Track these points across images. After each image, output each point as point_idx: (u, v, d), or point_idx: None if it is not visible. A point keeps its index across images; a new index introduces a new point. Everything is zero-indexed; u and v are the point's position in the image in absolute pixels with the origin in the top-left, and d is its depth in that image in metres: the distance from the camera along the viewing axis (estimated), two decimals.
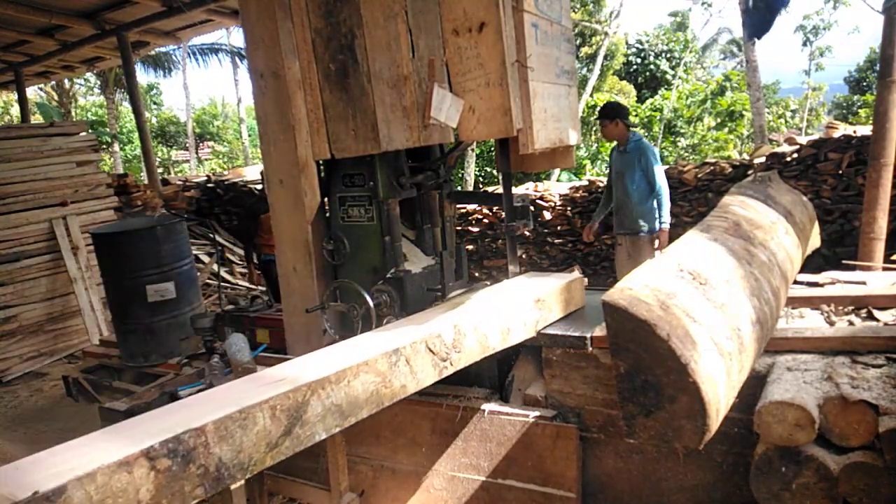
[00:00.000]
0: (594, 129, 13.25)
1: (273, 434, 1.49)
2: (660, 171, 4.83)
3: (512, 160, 3.07)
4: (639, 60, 19.59)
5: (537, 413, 2.63)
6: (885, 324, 2.47)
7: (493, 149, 11.05)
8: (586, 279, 3.29)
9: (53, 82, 16.47)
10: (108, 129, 18.95)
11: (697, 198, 6.32)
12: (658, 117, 14.39)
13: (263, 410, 1.47)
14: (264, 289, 7.02)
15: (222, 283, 6.96)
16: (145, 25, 7.32)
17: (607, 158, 5.64)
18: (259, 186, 9.27)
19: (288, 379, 1.62)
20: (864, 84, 22.32)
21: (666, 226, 4.82)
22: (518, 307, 2.50)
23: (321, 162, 3.20)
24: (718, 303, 1.93)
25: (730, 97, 13.97)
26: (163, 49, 16.81)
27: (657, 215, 4.87)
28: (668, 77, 18.52)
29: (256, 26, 2.97)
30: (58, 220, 6.38)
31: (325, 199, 3.25)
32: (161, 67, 19.18)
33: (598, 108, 4.56)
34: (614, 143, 5.11)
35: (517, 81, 2.70)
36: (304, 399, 1.57)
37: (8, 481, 1.15)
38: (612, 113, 4.97)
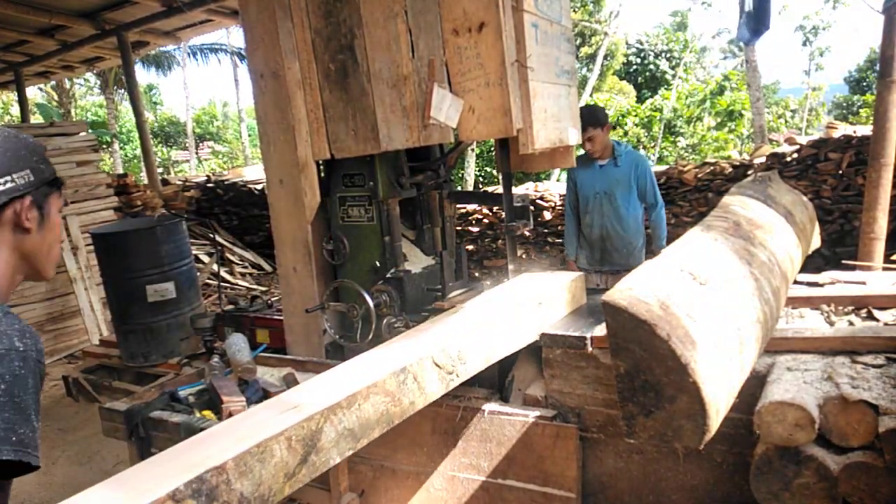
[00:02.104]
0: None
1: (290, 464, 1.51)
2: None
3: (512, 160, 3.07)
4: (639, 60, 19.60)
5: (537, 413, 2.63)
6: (885, 324, 2.47)
7: (493, 149, 11.05)
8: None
9: (53, 82, 16.47)
10: (108, 129, 18.95)
11: (697, 198, 6.32)
12: (658, 117, 14.39)
13: (280, 442, 1.49)
14: (264, 289, 7.02)
15: (222, 283, 6.96)
16: (145, 25, 7.32)
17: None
18: (260, 186, 9.26)
19: (301, 406, 1.64)
20: (864, 84, 22.32)
21: (663, 248, 3.87)
22: (521, 311, 2.51)
23: (321, 162, 3.20)
24: (718, 303, 1.93)
25: (729, 97, 13.97)
26: (163, 49, 16.82)
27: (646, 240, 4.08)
28: (668, 77, 18.53)
29: (256, 26, 2.97)
30: None
31: (325, 199, 3.25)
32: (161, 67, 19.20)
33: (582, 115, 3.41)
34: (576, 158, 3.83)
35: (517, 81, 2.70)
36: (317, 427, 1.59)
37: None
38: (604, 117, 4.03)
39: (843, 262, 4.48)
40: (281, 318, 3.38)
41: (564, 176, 11.95)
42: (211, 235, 8.72)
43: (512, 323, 2.43)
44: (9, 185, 1.19)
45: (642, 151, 14.05)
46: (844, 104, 22.55)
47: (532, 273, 3.19)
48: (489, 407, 2.71)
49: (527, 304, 2.55)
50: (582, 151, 4.14)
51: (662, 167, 6.98)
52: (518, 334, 2.45)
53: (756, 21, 4.55)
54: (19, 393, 1.02)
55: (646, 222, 4.26)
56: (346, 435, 1.68)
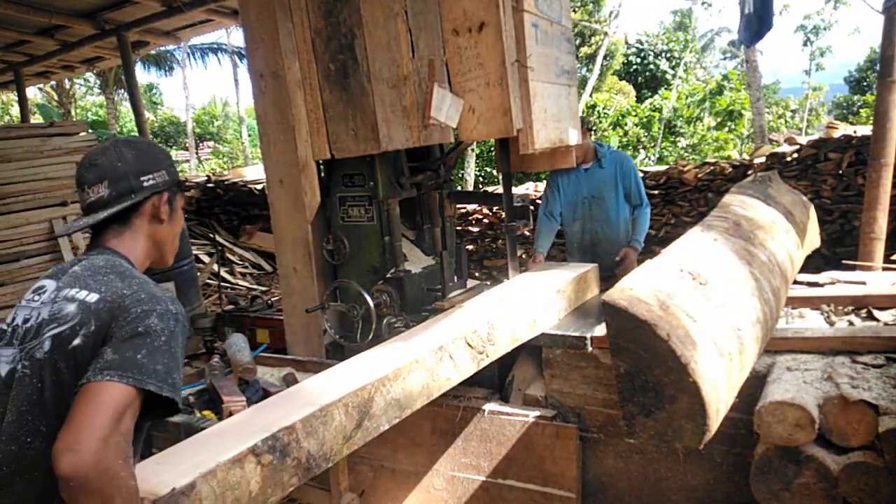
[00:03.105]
0: (592, 128, 13.21)
1: (348, 428, 1.72)
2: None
3: (512, 160, 3.07)
4: (639, 60, 19.59)
5: (537, 413, 2.63)
6: (885, 324, 2.47)
7: (493, 149, 11.04)
8: None
9: (53, 82, 16.46)
10: (108, 129, 18.94)
11: (697, 198, 6.31)
12: (658, 117, 14.38)
13: (339, 408, 1.70)
14: (265, 289, 7.01)
15: (222, 283, 6.96)
16: (145, 25, 7.31)
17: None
18: (260, 186, 9.27)
19: (354, 377, 1.85)
20: (864, 84, 22.31)
21: (640, 245, 3.86)
22: (542, 298, 2.65)
23: (321, 162, 3.20)
24: (718, 303, 1.93)
25: (728, 97, 13.97)
26: (163, 49, 16.82)
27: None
28: (668, 77, 18.52)
29: (256, 26, 2.97)
30: (58, 220, 6.38)
31: (325, 199, 3.25)
32: (161, 67, 19.20)
33: None
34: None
35: (517, 81, 2.70)
36: (369, 396, 1.79)
37: (144, 479, 1.28)
38: (582, 121, 3.79)
39: (843, 262, 4.48)
40: (281, 318, 3.38)
41: None
42: (211, 235, 8.72)
43: (534, 308, 2.59)
44: (150, 182, 1.45)
45: (642, 152, 14.05)
46: (844, 104, 22.54)
47: (549, 264, 3.40)
48: (489, 407, 2.71)
49: (547, 292, 2.70)
50: None
51: (662, 167, 6.97)
52: (540, 319, 2.61)
53: (758, 21, 4.53)
54: (174, 346, 1.26)
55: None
56: (393, 404, 1.87)
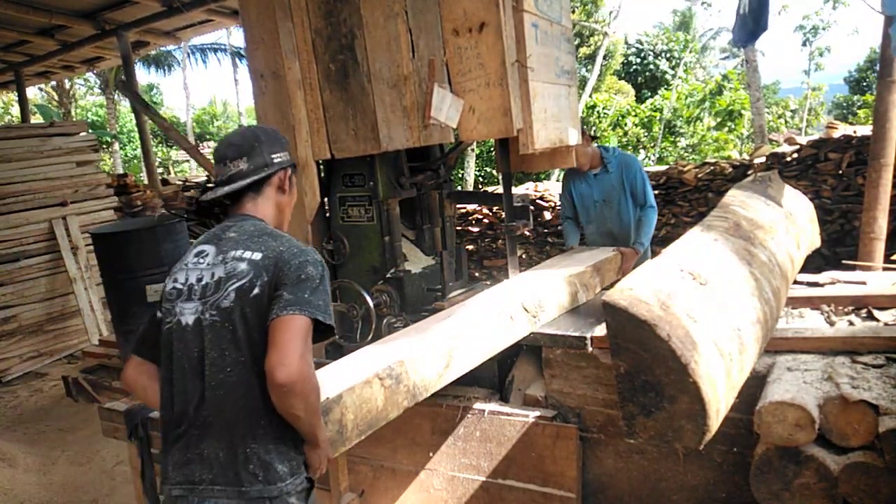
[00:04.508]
0: (592, 128, 13.22)
1: (440, 367, 2.18)
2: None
3: (512, 160, 3.07)
4: (638, 60, 19.58)
5: (537, 413, 2.63)
6: (885, 324, 2.47)
7: (493, 149, 11.04)
8: None
9: (53, 82, 16.47)
10: (108, 129, 18.95)
11: (697, 198, 6.30)
12: (658, 117, 14.38)
13: (432, 351, 2.16)
14: None
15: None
16: (145, 25, 7.31)
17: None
18: None
19: (442, 331, 2.32)
20: (864, 84, 22.31)
21: (643, 248, 3.84)
22: (581, 275, 3.07)
23: (321, 162, 3.20)
24: (719, 303, 1.94)
25: (728, 97, 13.96)
26: (163, 49, 16.82)
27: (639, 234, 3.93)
28: (668, 77, 18.52)
29: (256, 26, 2.97)
30: (58, 220, 6.37)
31: (325, 199, 3.25)
32: (161, 67, 19.21)
33: None
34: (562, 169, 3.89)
35: (517, 81, 2.70)
36: (454, 344, 2.26)
37: None
38: (585, 130, 3.86)
39: (843, 262, 4.48)
40: None
41: None
42: None
43: (576, 282, 3.01)
44: (279, 158, 1.81)
45: (642, 152, 14.04)
46: (844, 104, 22.54)
47: (583, 247, 3.89)
48: (489, 407, 2.71)
49: (587, 269, 3.14)
50: None
51: (662, 167, 6.96)
52: (580, 292, 3.02)
53: (754, 22, 4.53)
54: (326, 285, 1.62)
55: None
56: (469, 353, 2.32)
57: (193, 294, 1.64)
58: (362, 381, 1.88)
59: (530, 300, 2.65)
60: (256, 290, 1.58)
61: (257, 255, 1.62)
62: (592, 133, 4.02)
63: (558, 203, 7.20)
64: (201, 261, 1.68)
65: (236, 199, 1.79)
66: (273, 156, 1.79)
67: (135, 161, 21.88)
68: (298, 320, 1.51)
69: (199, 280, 1.65)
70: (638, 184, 3.92)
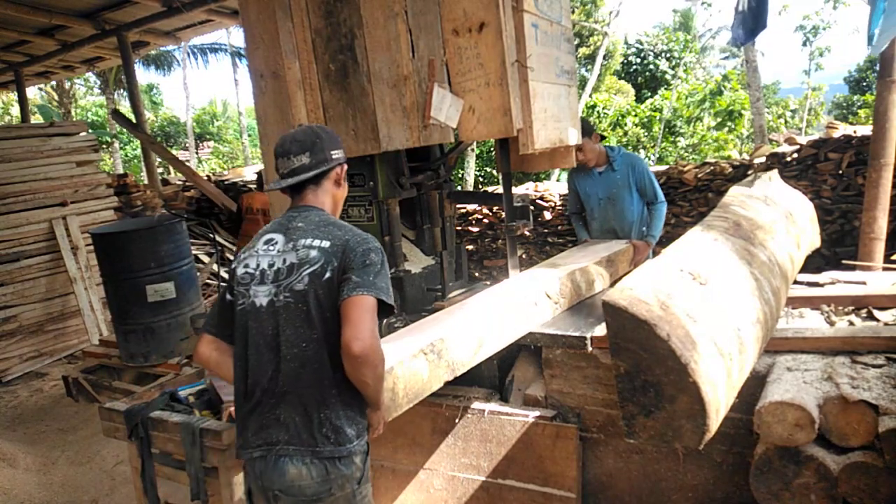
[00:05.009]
0: (603, 136, 13.19)
1: (472, 347, 2.36)
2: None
3: (512, 160, 3.07)
4: (638, 60, 19.56)
5: (537, 413, 2.63)
6: (885, 324, 2.47)
7: (493, 149, 11.04)
8: None
9: (53, 82, 16.46)
10: (108, 130, 18.94)
11: (697, 198, 6.30)
12: (658, 117, 14.37)
13: (466, 332, 2.35)
14: None
15: (222, 283, 6.96)
16: (145, 25, 7.31)
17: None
18: (253, 186, 9.25)
19: (476, 316, 2.48)
20: (864, 84, 22.29)
21: (654, 241, 3.93)
22: (597, 265, 3.24)
23: None
24: (718, 303, 1.93)
25: (728, 97, 13.95)
26: (163, 49, 16.82)
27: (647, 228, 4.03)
28: (668, 77, 18.51)
29: (256, 26, 2.97)
30: (58, 220, 6.37)
31: None
32: (161, 67, 19.20)
33: None
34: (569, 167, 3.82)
35: (517, 81, 2.70)
36: (485, 327, 2.45)
37: None
38: (589, 127, 3.92)
39: (843, 262, 4.48)
40: None
41: (564, 176, 11.95)
42: (211, 235, 8.71)
43: (592, 272, 3.19)
44: (336, 155, 1.97)
45: (642, 152, 14.04)
46: (844, 104, 22.51)
47: (597, 240, 4.01)
48: (489, 407, 2.71)
49: (601, 260, 3.33)
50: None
51: (662, 167, 6.96)
52: (597, 281, 3.20)
53: (753, 20, 4.53)
54: (386, 269, 1.81)
55: None
56: (500, 336, 2.51)
57: (266, 278, 1.82)
58: (410, 355, 2.09)
59: (553, 288, 2.83)
60: (328, 275, 1.76)
61: (326, 244, 1.80)
62: (601, 134, 4.13)
63: (558, 203, 7.21)
64: (271, 248, 1.86)
65: (297, 191, 1.96)
66: (332, 152, 1.95)
67: (135, 161, 21.87)
68: (367, 300, 1.71)
69: (271, 265, 1.83)
70: (646, 182, 4.00)
